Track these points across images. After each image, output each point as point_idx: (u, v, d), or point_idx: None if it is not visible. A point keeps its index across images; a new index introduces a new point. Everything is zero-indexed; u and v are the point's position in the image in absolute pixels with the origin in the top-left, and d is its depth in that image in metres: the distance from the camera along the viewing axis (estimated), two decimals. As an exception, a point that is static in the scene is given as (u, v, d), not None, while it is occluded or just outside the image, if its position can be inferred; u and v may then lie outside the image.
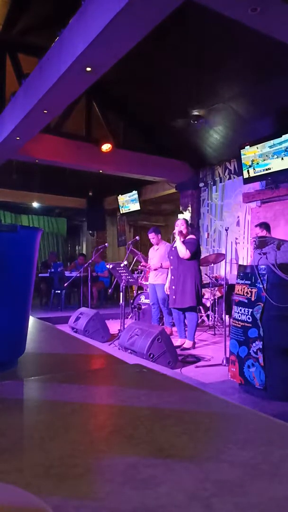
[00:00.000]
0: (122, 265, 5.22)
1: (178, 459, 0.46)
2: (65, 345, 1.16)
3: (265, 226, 5.63)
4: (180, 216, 8.28)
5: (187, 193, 8.66)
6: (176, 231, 5.00)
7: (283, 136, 6.19)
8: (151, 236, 5.88)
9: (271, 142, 6.37)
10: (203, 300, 6.57)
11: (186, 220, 5.24)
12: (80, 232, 13.75)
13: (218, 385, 3.36)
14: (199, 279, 4.96)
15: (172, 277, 5.01)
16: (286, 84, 5.60)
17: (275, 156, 6.33)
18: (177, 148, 8.18)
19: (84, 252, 13.22)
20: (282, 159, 6.23)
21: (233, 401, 0.64)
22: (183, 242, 4.91)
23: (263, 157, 6.53)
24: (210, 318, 6.47)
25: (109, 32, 3.58)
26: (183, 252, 4.83)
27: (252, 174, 6.78)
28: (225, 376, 3.46)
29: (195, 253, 4.95)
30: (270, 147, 6.40)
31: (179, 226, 5.05)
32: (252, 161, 6.76)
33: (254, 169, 6.74)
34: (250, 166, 6.81)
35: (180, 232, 4.98)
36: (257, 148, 6.62)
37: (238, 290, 3.26)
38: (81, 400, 0.66)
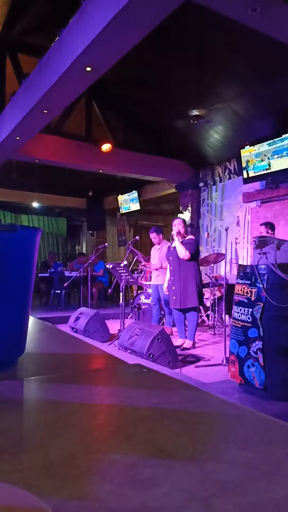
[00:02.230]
0: (122, 265, 5.22)
1: (178, 459, 0.46)
2: (65, 345, 1.16)
3: (270, 225, 5.70)
4: (180, 216, 8.28)
5: (187, 193, 8.66)
6: (174, 232, 4.99)
7: (282, 135, 6.19)
8: (153, 236, 5.87)
9: (271, 140, 6.38)
10: (203, 300, 6.57)
11: (183, 220, 5.24)
12: (80, 232, 13.76)
13: (218, 385, 3.36)
14: (199, 279, 4.96)
15: (172, 278, 5.00)
16: (286, 84, 5.60)
17: (275, 156, 6.32)
18: (177, 148, 8.18)
19: (84, 252, 13.22)
20: (281, 157, 6.22)
21: (233, 401, 0.64)
22: (182, 242, 4.90)
23: (261, 156, 6.54)
24: (210, 318, 6.47)
25: (109, 32, 3.58)
26: (183, 253, 4.82)
27: (251, 174, 6.78)
28: (225, 376, 3.46)
29: (195, 254, 4.94)
30: (269, 144, 6.39)
31: (177, 226, 5.05)
32: (248, 161, 6.77)
33: (253, 171, 6.74)
34: (247, 167, 6.81)
35: (178, 233, 4.97)
36: (253, 147, 6.62)
37: (238, 290, 3.26)
38: (81, 400, 0.66)
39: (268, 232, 5.60)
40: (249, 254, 7.24)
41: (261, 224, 5.92)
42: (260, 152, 6.55)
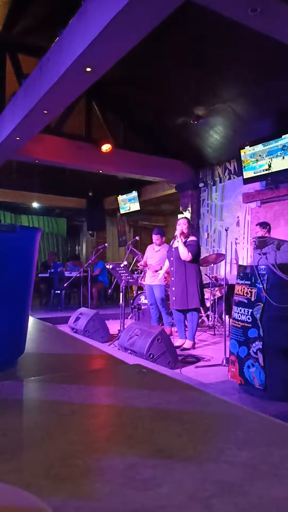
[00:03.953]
0: (122, 265, 5.21)
1: (178, 459, 0.46)
2: (65, 346, 1.16)
3: (265, 225, 5.69)
4: (180, 216, 8.27)
5: (187, 193, 8.66)
6: (178, 232, 4.97)
7: (282, 136, 6.20)
8: (156, 238, 5.85)
9: (266, 141, 6.40)
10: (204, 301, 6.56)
11: (188, 220, 5.22)
12: (80, 233, 13.75)
13: (218, 385, 3.36)
14: (200, 280, 4.95)
15: (172, 278, 5.00)
16: (286, 85, 5.60)
17: (270, 156, 6.34)
18: (177, 149, 8.18)
19: (84, 252, 13.21)
20: (283, 158, 6.23)
21: (233, 401, 0.64)
22: (185, 244, 4.89)
23: (256, 156, 6.55)
24: (210, 319, 6.47)
25: (109, 33, 3.58)
26: (185, 254, 4.81)
27: (250, 174, 6.79)
28: (225, 376, 3.46)
29: (197, 256, 4.94)
30: (264, 145, 6.41)
31: (181, 225, 5.04)
32: (243, 161, 6.77)
33: (252, 171, 6.75)
34: (244, 168, 6.82)
35: (182, 233, 4.96)
36: (250, 148, 6.64)
37: (238, 290, 3.26)
38: (80, 400, 0.66)
39: (256, 232, 5.63)
40: (249, 255, 7.24)
41: (256, 225, 5.94)
42: (255, 152, 6.57)
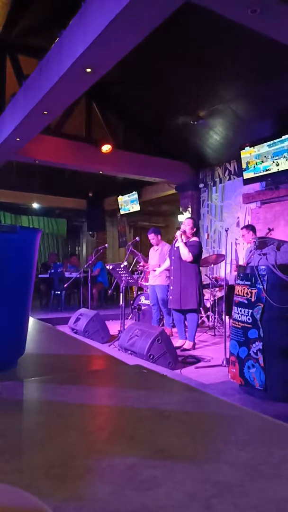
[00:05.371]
0: (122, 266, 5.21)
1: (178, 460, 0.46)
2: (65, 346, 1.16)
3: (251, 228, 5.81)
4: (181, 217, 8.29)
5: (187, 194, 8.66)
6: (178, 233, 4.97)
7: (282, 136, 6.19)
8: (151, 237, 5.88)
9: (271, 141, 6.38)
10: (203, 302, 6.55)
11: (193, 220, 5.23)
12: (80, 233, 13.75)
13: (218, 386, 3.36)
14: (199, 280, 4.95)
15: (172, 278, 5.00)
16: (286, 85, 5.60)
17: (276, 157, 6.32)
18: (177, 149, 8.18)
19: (84, 253, 13.21)
20: (283, 157, 6.22)
21: (233, 402, 0.64)
22: (186, 244, 4.88)
23: (261, 157, 6.54)
24: (210, 319, 6.46)
25: (109, 33, 3.59)
26: (186, 255, 4.81)
27: (252, 175, 6.78)
28: (225, 377, 3.46)
29: (198, 256, 4.93)
30: (269, 146, 6.39)
31: (185, 225, 5.04)
32: (248, 162, 6.76)
33: (253, 171, 6.74)
34: (247, 168, 6.81)
35: (184, 232, 4.97)
36: (253, 148, 6.62)
37: (238, 291, 3.26)
38: (81, 401, 0.66)
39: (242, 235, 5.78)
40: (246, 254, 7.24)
41: (242, 228, 6.04)
42: (260, 154, 6.55)
